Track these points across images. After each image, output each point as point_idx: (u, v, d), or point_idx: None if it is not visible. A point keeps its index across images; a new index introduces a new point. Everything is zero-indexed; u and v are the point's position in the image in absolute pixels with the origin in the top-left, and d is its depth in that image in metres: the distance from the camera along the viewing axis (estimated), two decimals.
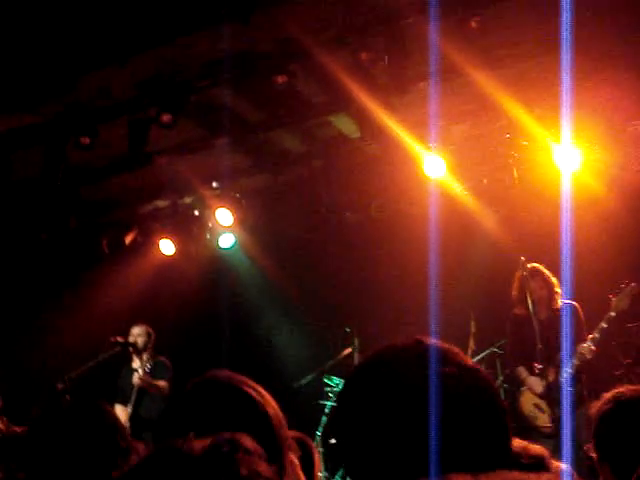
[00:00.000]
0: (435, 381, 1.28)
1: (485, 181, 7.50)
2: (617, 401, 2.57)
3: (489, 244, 7.49)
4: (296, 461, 2.21)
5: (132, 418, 7.32)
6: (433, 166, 7.25)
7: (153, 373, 7.52)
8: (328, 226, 8.23)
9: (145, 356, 7.63)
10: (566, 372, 6.15)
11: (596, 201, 6.90)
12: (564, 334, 6.21)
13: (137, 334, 7.65)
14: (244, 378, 1.96)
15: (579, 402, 6.05)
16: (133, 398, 7.42)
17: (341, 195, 7.94)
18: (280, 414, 1.93)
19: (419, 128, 7.13)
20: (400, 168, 7.62)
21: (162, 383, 7.49)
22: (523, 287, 6.45)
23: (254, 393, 1.90)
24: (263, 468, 1.10)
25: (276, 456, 1.83)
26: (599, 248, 6.72)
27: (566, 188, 6.24)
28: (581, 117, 6.45)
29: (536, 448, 2.02)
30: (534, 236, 6.98)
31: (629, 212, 7.15)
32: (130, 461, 2.47)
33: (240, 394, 1.89)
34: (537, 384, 6.35)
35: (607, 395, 2.64)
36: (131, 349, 7.57)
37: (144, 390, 7.45)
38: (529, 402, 6.38)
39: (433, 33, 5.59)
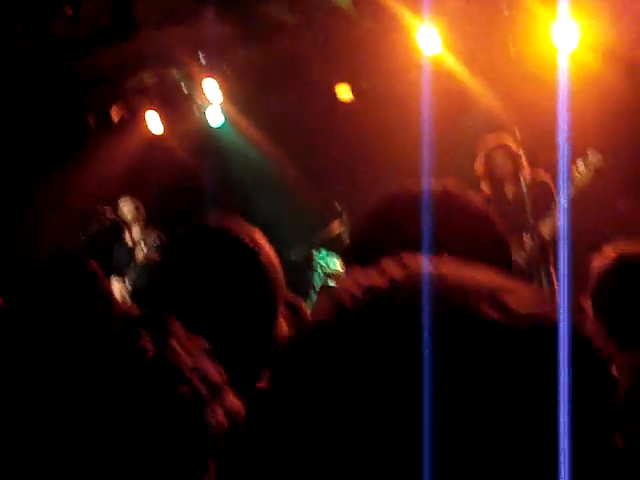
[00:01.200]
0: None
1: (480, 57, 7.30)
2: (621, 259, 2.53)
3: (484, 122, 7.34)
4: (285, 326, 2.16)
5: (134, 295, 7.26)
6: (427, 40, 7.03)
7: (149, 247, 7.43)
8: (320, 101, 8.06)
9: (138, 230, 7.56)
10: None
11: (594, 77, 6.72)
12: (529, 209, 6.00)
13: (122, 205, 7.56)
14: (242, 228, 1.87)
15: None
16: (133, 275, 7.35)
17: (334, 70, 7.74)
18: (277, 265, 1.86)
19: (415, 1, 6.88)
20: (394, 43, 7.39)
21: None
22: (489, 162, 6.25)
23: (249, 241, 1.82)
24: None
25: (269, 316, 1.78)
26: (596, 125, 6.56)
27: (563, 64, 6.05)
28: None
29: None
30: (530, 115, 6.83)
31: (628, 88, 6.98)
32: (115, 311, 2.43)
33: (236, 242, 1.81)
34: None
35: (609, 251, 2.59)
36: (120, 223, 7.50)
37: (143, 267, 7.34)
38: None
39: None
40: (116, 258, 7.62)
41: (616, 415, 0.70)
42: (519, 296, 0.71)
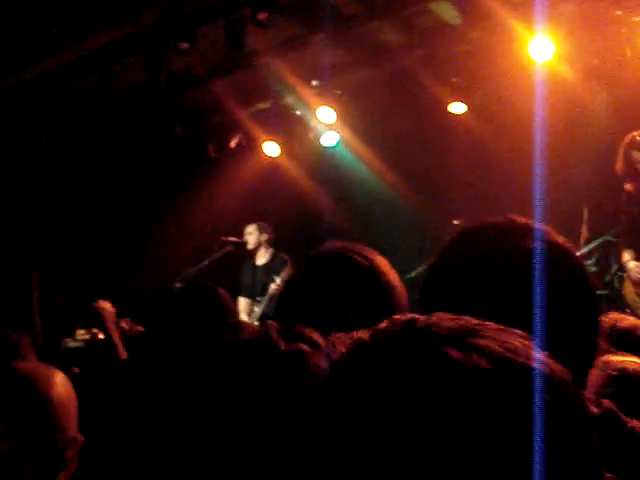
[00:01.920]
0: (523, 255, 1.25)
1: (595, 61, 7.14)
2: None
3: (601, 128, 7.17)
4: None
5: (262, 318, 7.51)
6: (539, 49, 6.93)
7: (274, 270, 7.68)
8: (432, 117, 8.06)
9: (265, 252, 7.84)
10: None
11: None
12: None
13: (248, 232, 7.86)
14: (357, 247, 1.91)
15: None
16: (266, 299, 7.62)
17: (445, 85, 7.72)
18: (400, 283, 1.89)
19: (523, 9, 6.79)
20: (505, 54, 7.32)
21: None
22: (629, 159, 6.03)
23: (367, 262, 1.86)
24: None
25: None
26: None
27: None
28: None
29: (628, 321, 1.95)
30: None
31: None
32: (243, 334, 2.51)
33: (352, 264, 1.85)
34: (634, 270, 5.90)
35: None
36: (244, 247, 7.80)
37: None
38: (631, 290, 6.04)
39: None
40: (244, 277, 7.92)
41: (589, 450, 0.72)
42: (493, 339, 0.77)
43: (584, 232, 6.61)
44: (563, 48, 7.02)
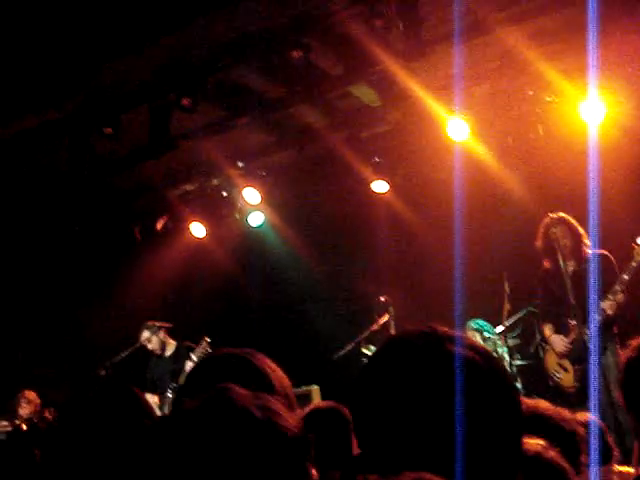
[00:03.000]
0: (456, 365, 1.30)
1: (510, 140, 7.43)
2: None
3: (517, 204, 7.43)
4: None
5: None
6: (457, 129, 7.20)
7: (181, 359, 7.56)
8: (355, 197, 8.23)
9: (168, 345, 7.75)
10: (590, 328, 5.93)
11: (621, 154, 6.81)
12: (590, 286, 6.04)
13: (145, 338, 7.75)
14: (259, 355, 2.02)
15: (605, 357, 5.89)
16: (173, 386, 7.48)
17: (366, 165, 7.92)
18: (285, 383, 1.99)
19: (440, 91, 7.07)
20: (424, 134, 7.58)
21: None
22: (548, 237, 6.28)
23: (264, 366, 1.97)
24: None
25: None
26: (625, 201, 6.62)
27: (592, 142, 6.17)
28: (606, 69, 6.35)
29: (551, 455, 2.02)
30: (561, 192, 6.92)
31: None
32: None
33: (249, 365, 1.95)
34: (558, 343, 6.17)
35: (634, 343, 2.58)
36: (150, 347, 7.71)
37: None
38: (553, 361, 6.24)
39: None
40: (151, 372, 7.81)
41: None
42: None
43: (506, 305, 6.81)
44: (479, 128, 7.31)
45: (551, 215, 6.39)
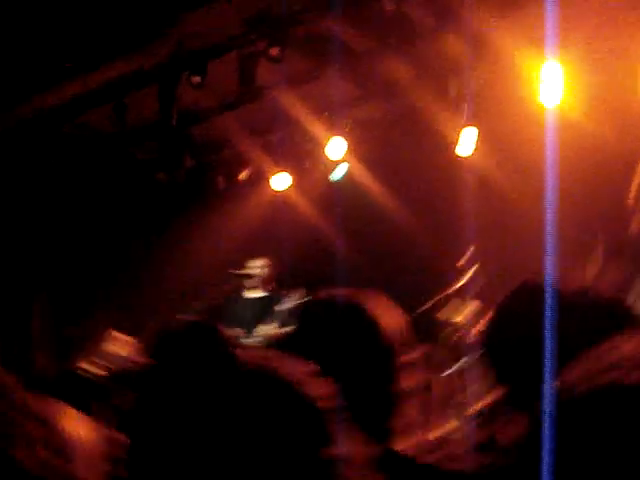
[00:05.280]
0: None
1: (607, 97, 7.16)
2: None
3: (614, 163, 7.11)
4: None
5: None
6: (550, 91, 6.92)
7: (284, 319, 7.48)
8: (440, 156, 8.08)
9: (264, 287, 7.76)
10: None
11: None
12: None
13: (255, 265, 7.75)
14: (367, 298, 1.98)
15: None
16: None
17: (456, 121, 7.75)
18: (400, 329, 1.94)
19: (534, 48, 6.84)
20: (515, 92, 7.36)
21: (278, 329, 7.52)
22: None
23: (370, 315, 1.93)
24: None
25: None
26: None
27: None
28: None
29: None
30: None
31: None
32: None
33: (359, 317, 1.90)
34: None
35: None
36: (247, 280, 7.69)
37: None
38: None
39: None
40: (238, 309, 7.77)
41: None
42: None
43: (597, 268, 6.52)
44: (573, 89, 7.04)
45: None
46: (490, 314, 1.63)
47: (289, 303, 7.30)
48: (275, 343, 2.15)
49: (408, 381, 2.08)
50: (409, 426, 1.94)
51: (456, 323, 6.88)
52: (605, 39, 7.08)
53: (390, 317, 1.97)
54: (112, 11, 6.47)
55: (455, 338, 6.88)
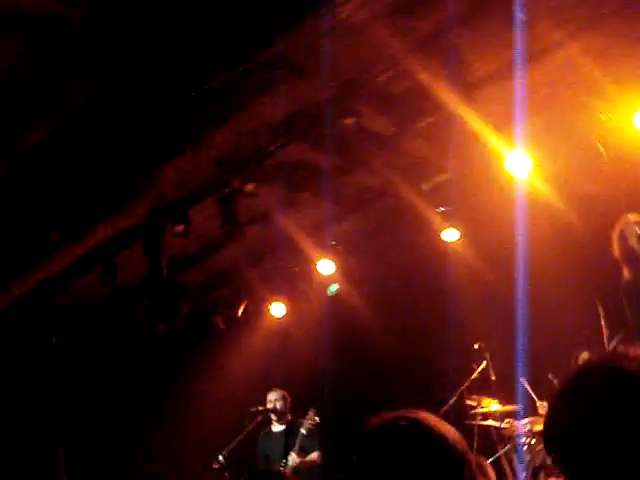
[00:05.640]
0: None
1: (573, 166, 7.37)
2: None
3: (587, 235, 7.28)
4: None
5: None
6: (517, 165, 7.15)
7: (303, 444, 7.52)
8: (427, 249, 8.22)
9: (285, 419, 7.73)
10: None
11: None
12: None
13: (275, 399, 7.76)
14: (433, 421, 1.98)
15: None
16: (284, 462, 7.46)
17: (433, 217, 7.92)
18: (461, 439, 1.96)
19: (494, 130, 7.07)
20: (484, 176, 7.58)
21: (314, 456, 7.53)
22: (625, 241, 5.98)
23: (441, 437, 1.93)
24: None
25: None
26: None
27: None
28: None
29: None
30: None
31: None
32: None
33: (430, 442, 1.91)
34: None
35: None
36: (272, 415, 7.68)
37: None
38: None
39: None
40: (264, 446, 7.77)
41: None
42: None
43: (604, 328, 6.60)
44: (540, 161, 7.25)
45: (626, 218, 6.10)
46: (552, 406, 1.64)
47: (306, 427, 7.37)
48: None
49: None
50: None
51: (483, 412, 6.88)
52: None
53: (447, 427, 1.98)
54: (89, 175, 6.64)
55: (487, 427, 6.86)
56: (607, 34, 6.17)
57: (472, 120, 6.95)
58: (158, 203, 6.99)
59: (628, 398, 1.43)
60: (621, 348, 1.53)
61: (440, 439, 1.88)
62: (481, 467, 2.91)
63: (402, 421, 1.94)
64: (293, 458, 7.39)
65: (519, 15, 4.97)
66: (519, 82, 5.94)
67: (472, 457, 1.97)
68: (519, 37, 5.71)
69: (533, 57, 6.35)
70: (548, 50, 6.36)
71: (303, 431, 7.40)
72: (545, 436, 1.61)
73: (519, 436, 6.51)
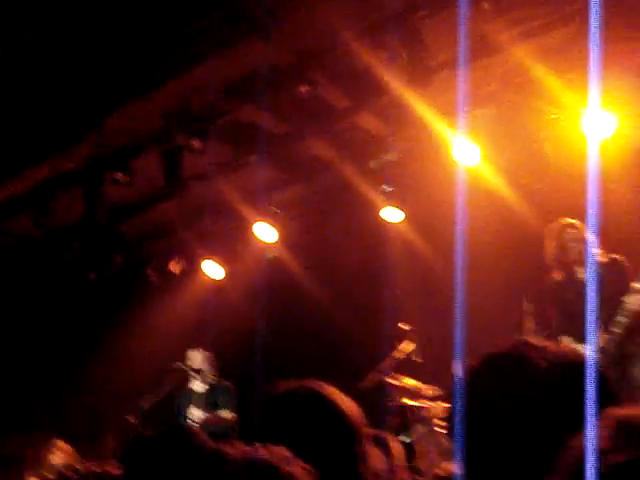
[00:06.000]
0: None
1: (519, 160, 7.46)
2: None
3: (528, 225, 7.37)
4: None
5: None
6: (465, 153, 7.20)
7: (216, 401, 7.51)
8: (368, 228, 8.24)
9: (207, 380, 7.69)
10: (614, 334, 5.75)
11: (628, 170, 6.81)
12: (608, 291, 5.61)
13: (197, 358, 7.69)
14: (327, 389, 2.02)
15: (632, 366, 5.75)
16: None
17: (378, 195, 7.94)
18: (356, 412, 2.02)
19: (447, 116, 7.11)
20: (433, 161, 7.62)
21: (226, 414, 7.47)
22: (559, 244, 6.12)
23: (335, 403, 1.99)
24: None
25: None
26: (635, 220, 6.50)
27: (594, 158, 6.15)
28: (614, 84, 6.36)
29: None
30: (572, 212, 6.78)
31: None
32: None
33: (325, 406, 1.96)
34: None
35: None
36: (193, 374, 7.62)
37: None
38: None
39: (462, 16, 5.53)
40: (181, 403, 7.71)
41: None
42: None
43: (530, 325, 6.72)
44: (487, 150, 7.32)
45: (560, 221, 6.26)
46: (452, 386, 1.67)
47: (222, 386, 7.37)
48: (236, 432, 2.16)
49: (374, 461, 2.14)
50: None
51: (402, 391, 6.96)
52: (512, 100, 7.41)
53: (346, 402, 2.04)
54: (32, 115, 6.50)
55: (404, 406, 6.95)
56: (561, 36, 6.26)
57: (426, 104, 6.99)
58: (102, 149, 6.88)
59: (525, 389, 1.47)
60: (531, 338, 1.58)
61: (338, 412, 1.95)
62: (384, 443, 2.96)
63: (305, 391, 2.00)
64: (204, 414, 7.37)
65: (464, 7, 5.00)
66: (463, 73, 5.96)
67: (369, 433, 2.03)
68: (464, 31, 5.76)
69: (485, 51, 6.41)
70: (500, 47, 6.43)
71: (218, 390, 7.38)
72: (447, 422, 1.64)
73: (436, 418, 6.61)
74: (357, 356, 7.94)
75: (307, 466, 1.44)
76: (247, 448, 1.48)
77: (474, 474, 1.50)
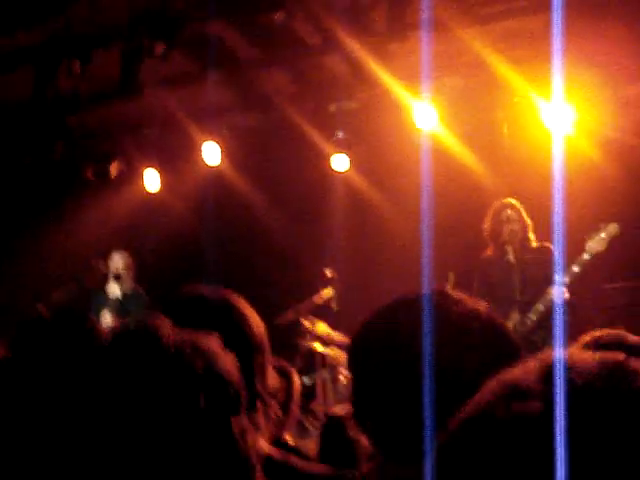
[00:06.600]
0: None
1: (477, 134, 7.50)
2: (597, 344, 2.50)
3: (483, 194, 7.40)
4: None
5: None
6: (424, 117, 7.21)
7: (128, 304, 7.43)
8: (315, 169, 8.22)
9: (124, 286, 7.60)
10: (528, 319, 5.93)
11: (590, 165, 6.88)
12: (534, 276, 5.98)
13: (117, 259, 7.55)
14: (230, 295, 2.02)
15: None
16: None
17: (329, 139, 7.91)
18: (264, 331, 2.02)
19: (412, 79, 7.09)
20: (391, 117, 7.60)
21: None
22: (496, 221, 6.25)
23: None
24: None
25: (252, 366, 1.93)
26: (592, 215, 6.57)
27: (558, 149, 6.23)
28: (575, 75, 6.41)
29: None
30: (525, 198, 6.81)
31: (625, 178, 7.12)
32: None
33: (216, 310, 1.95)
34: None
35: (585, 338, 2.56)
36: (110, 275, 7.49)
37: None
38: None
39: None
40: (96, 306, 7.62)
41: None
42: None
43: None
44: (446, 118, 7.34)
45: (503, 200, 6.37)
46: (358, 328, 1.68)
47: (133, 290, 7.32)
48: None
49: (272, 381, 2.15)
50: (269, 423, 2.00)
51: (314, 335, 7.03)
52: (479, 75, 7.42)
53: (255, 317, 2.03)
54: None
55: (313, 350, 7.03)
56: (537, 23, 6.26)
57: (397, 59, 6.96)
58: (63, 32, 6.67)
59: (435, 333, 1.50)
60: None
61: (242, 321, 1.95)
62: (286, 374, 2.98)
63: (213, 298, 1.99)
64: (110, 317, 7.29)
65: None
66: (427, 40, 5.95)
67: (272, 358, 2.03)
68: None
69: (467, 22, 6.40)
70: (482, 19, 6.42)
71: (132, 297, 7.30)
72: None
73: (341, 367, 6.71)
74: (278, 293, 7.97)
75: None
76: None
77: (367, 415, 1.52)
